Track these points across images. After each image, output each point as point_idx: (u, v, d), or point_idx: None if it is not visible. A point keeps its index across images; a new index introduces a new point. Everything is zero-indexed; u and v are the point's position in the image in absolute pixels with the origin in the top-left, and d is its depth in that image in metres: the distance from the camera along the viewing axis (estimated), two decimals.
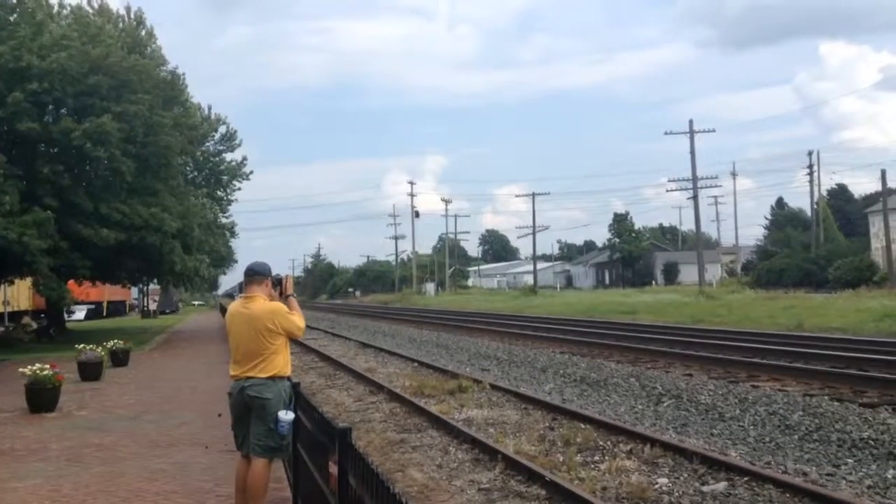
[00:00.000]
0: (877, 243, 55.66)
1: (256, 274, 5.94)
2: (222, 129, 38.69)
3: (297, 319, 5.87)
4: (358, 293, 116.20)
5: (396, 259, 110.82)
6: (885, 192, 50.65)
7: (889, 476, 7.48)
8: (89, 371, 16.23)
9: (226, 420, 7.28)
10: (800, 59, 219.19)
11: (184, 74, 32.57)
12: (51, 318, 33.09)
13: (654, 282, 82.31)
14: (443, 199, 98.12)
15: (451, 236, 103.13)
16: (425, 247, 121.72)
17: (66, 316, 37.67)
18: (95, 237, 25.81)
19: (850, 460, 8.17)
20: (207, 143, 37.96)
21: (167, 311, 68.67)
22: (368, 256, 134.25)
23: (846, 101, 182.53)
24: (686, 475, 7.68)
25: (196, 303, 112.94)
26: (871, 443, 8.69)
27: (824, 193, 73.08)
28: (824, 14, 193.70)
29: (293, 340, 6.08)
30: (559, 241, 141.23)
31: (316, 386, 15.68)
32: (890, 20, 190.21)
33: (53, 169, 25.35)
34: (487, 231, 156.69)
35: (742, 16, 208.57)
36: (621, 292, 64.31)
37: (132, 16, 31.57)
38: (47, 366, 12.09)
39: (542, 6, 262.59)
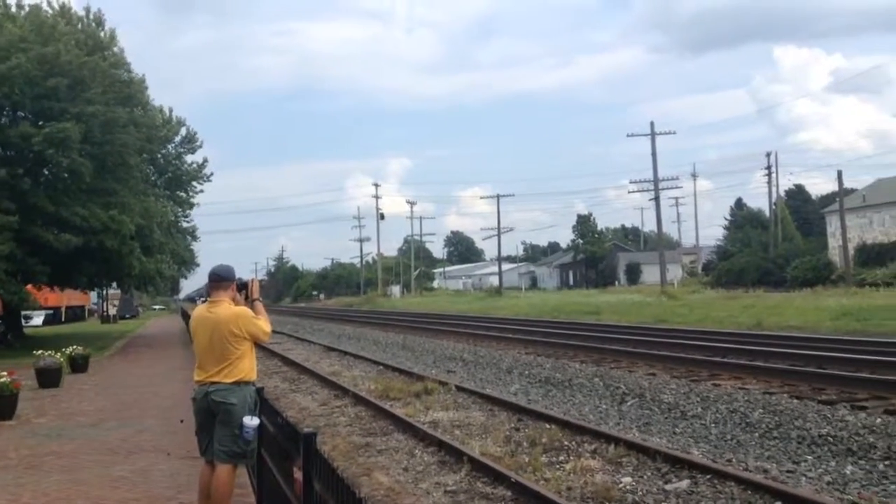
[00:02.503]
0: (834, 243, 56.79)
1: (221, 278, 5.88)
2: (182, 132, 38.28)
3: (263, 324, 5.83)
4: (322, 296, 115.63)
5: (361, 261, 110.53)
6: (842, 193, 51.67)
7: (847, 472, 7.63)
8: (48, 378, 15.95)
9: (188, 426, 7.20)
10: (754, 62, 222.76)
11: (144, 75, 32.23)
12: (8, 324, 32.38)
13: (617, 282, 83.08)
14: (408, 202, 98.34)
15: (417, 238, 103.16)
16: (390, 249, 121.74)
17: (23, 322, 36.93)
18: (56, 241, 25.37)
19: (809, 457, 8.32)
20: (168, 146, 37.48)
21: (127, 315, 67.75)
22: (333, 259, 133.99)
23: (800, 104, 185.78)
24: (649, 474, 7.76)
25: (157, 307, 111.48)
26: (830, 439, 8.85)
27: (782, 194, 74.41)
28: (774, 19, 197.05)
29: (258, 345, 6.03)
30: (524, 243, 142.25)
31: (280, 390, 15.57)
32: (838, 24, 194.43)
33: (11, 172, 24.85)
34: (452, 233, 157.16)
35: (693, 21, 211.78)
36: (585, 293, 64.86)
37: (91, 17, 31.03)
38: (4, 373, 11.88)
39: (499, 11, 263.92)
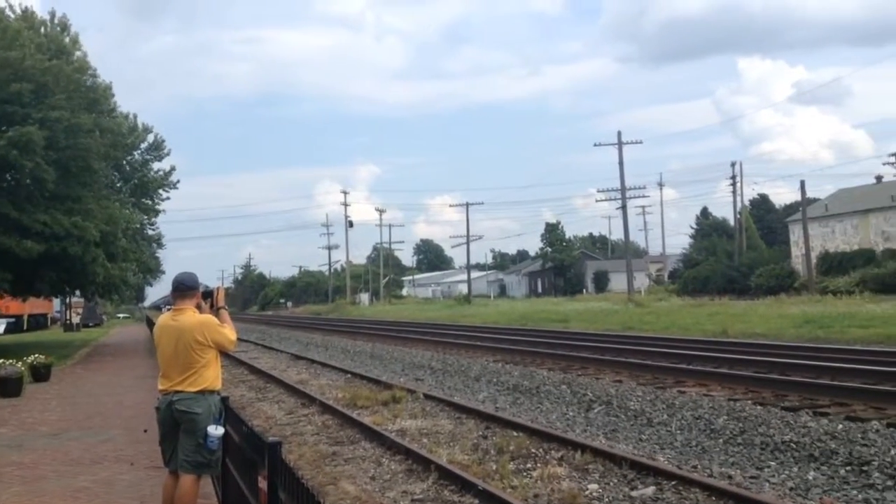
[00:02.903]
0: (797, 251, 57.63)
1: (185, 287, 5.83)
2: (150, 138, 37.77)
3: (228, 332, 5.78)
4: (290, 304, 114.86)
5: (330, 269, 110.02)
6: (805, 202, 52.52)
7: (810, 477, 7.74)
8: (8, 387, 15.66)
9: (152, 436, 7.11)
10: (718, 74, 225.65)
11: (111, 82, 31.88)
12: None
13: (585, 290, 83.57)
14: (377, 209, 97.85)
15: (386, 246, 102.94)
16: (359, 257, 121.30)
17: None
18: (17, 248, 24.93)
19: (772, 463, 8.43)
20: (135, 153, 36.96)
21: (91, 323, 66.65)
22: (301, 267, 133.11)
23: (764, 115, 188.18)
24: (616, 480, 7.81)
25: (121, 315, 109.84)
26: (793, 445, 8.97)
27: (747, 203, 75.45)
28: (739, 31, 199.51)
29: (223, 353, 5.99)
30: (492, 251, 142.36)
31: (246, 399, 15.43)
32: (801, 37, 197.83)
33: None
34: (422, 240, 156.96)
35: (660, 33, 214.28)
36: (553, 300, 65.14)
37: (56, 21, 30.61)
38: None
39: (469, 20, 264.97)
